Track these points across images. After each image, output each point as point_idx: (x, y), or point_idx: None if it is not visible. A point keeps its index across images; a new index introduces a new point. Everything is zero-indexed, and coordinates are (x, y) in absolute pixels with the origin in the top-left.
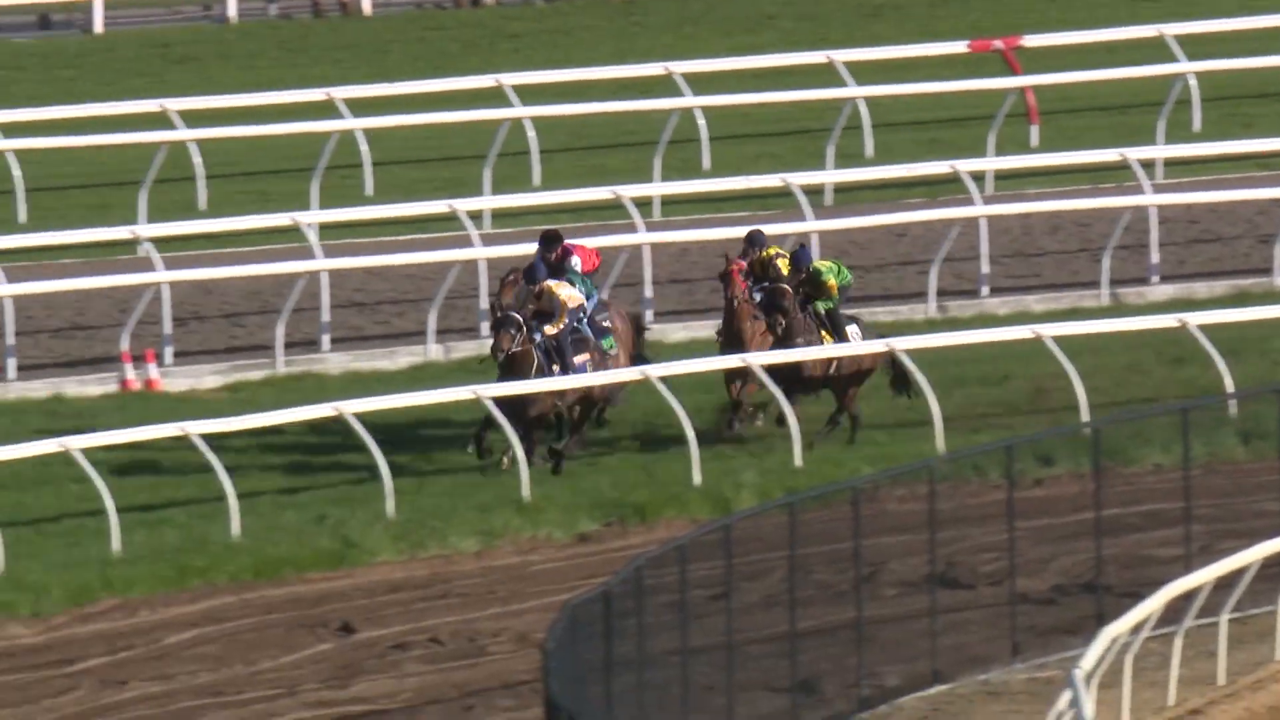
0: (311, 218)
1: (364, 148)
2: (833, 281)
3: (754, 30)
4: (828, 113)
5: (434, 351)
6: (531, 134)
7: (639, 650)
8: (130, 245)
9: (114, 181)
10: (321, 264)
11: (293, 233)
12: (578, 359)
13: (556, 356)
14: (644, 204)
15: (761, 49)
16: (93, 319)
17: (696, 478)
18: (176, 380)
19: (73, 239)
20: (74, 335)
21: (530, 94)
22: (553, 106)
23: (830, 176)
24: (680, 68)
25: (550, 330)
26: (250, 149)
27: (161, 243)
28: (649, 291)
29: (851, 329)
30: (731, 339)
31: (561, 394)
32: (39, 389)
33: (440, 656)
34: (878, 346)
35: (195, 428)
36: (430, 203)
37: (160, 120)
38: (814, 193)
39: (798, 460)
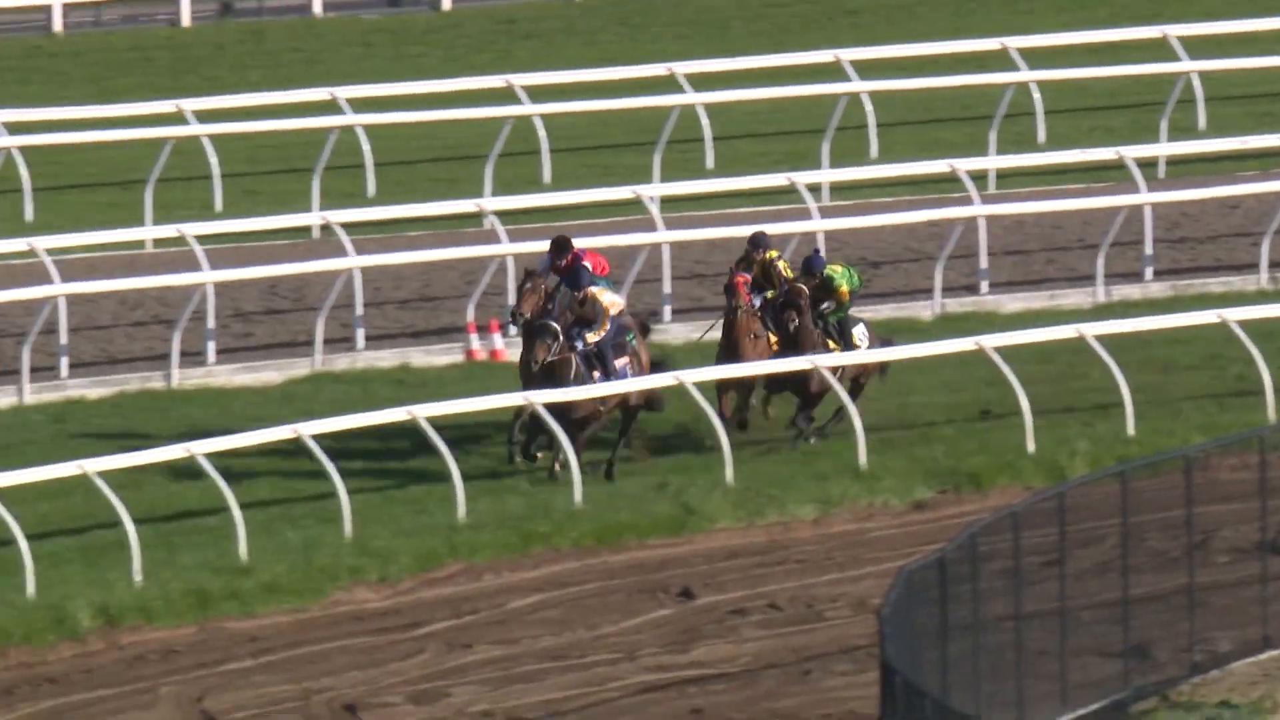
0: (653, 191)
1: (705, 122)
2: (845, 288)
3: (1088, 5)
4: (1161, 86)
5: None
6: (869, 108)
7: (973, 615)
8: (476, 218)
9: (460, 155)
10: (663, 236)
11: (635, 205)
12: (617, 363)
13: (598, 363)
14: (980, 177)
15: (1096, 24)
16: (439, 290)
17: (1030, 446)
18: (518, 350)
19: (420, 212)
20: (421, 306)
21: (868, 69)
22: (890, 81)
23: (1163, 149)
24: (1015, 43)
25: (592, 337)
26: (593, 123)
27: (506, 215)
28: (984, 263)
29: (858, 329)
30: (730, 351)
31: (604, 398)
32: (387, 358)
33: (778, 621)
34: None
35: (539, 397)
36: (769, 176)
37: (506, 95)
38: (1147, 165)
39: (1130, 429)
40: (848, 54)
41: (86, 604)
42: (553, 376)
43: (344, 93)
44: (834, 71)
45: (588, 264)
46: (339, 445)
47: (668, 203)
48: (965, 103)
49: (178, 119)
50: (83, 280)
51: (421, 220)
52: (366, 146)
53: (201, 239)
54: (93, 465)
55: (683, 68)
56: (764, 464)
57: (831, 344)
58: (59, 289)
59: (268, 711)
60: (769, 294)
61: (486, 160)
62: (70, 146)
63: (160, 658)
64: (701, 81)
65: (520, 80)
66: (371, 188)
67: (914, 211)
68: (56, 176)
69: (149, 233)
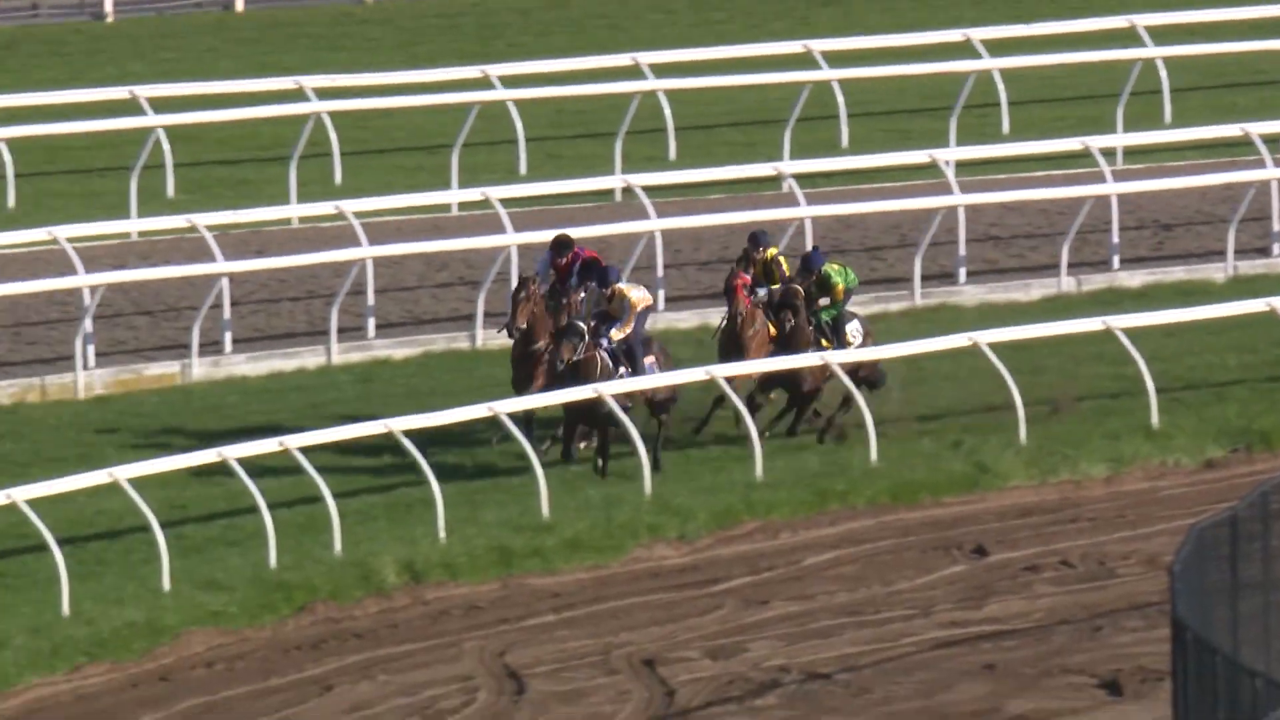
0: (949, 154)
1: (1000, 87)
2: (841, 285)
3: None
4: None
5: (1066, 284)
6: (1163, 73)
7: (1264, 573)
8: (774, 181)
9: (759, 120)
10: (959, 199)
11: (931, 169)
12: (645, 361)
13: (625, 359)
14: (1272, 141)
15: None
16: (738, 252)
17: None
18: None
19: (719, 175)
20: (720, 268)
21: (1162, 35)
22: (1184, 47)
23: None
24: None
25: (617, 335)
26: (891, 88)
27: (804, 179)
28: (1277, 226)
29: (852, 325)
30: (732, 350)
31: (630, 395)
32: (686, 319)
33: (1070, 578)
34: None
35: (833, 357)
36: (1064, 140)
37: (804, 60)
38: None
39: None
40: (1142, 19)
41: (392, 560)
42: (580, 375)
43: (646, 58)
44: (1129, 37)
45: (613, 266)
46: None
47: (963, 166)
48: (1258, 68)
49: (484, 84)
50: (389, 242)
51: (721, 183)
52: (668, 111)
53: (506, 202)
54: (399, 424)
55: (979, 33)
56: (1057, 423)
57: (824, 342)
58: (366, 251)
59: (569, 665)
60: (774, 287)
61: (785, 124)
62: (378, 112)
63: (464, 613)
64: (997, 47)
65: (819, 46)
66: (672, 151)
67: (1207, 175)
68: (365, 141)
69: (454, 196)
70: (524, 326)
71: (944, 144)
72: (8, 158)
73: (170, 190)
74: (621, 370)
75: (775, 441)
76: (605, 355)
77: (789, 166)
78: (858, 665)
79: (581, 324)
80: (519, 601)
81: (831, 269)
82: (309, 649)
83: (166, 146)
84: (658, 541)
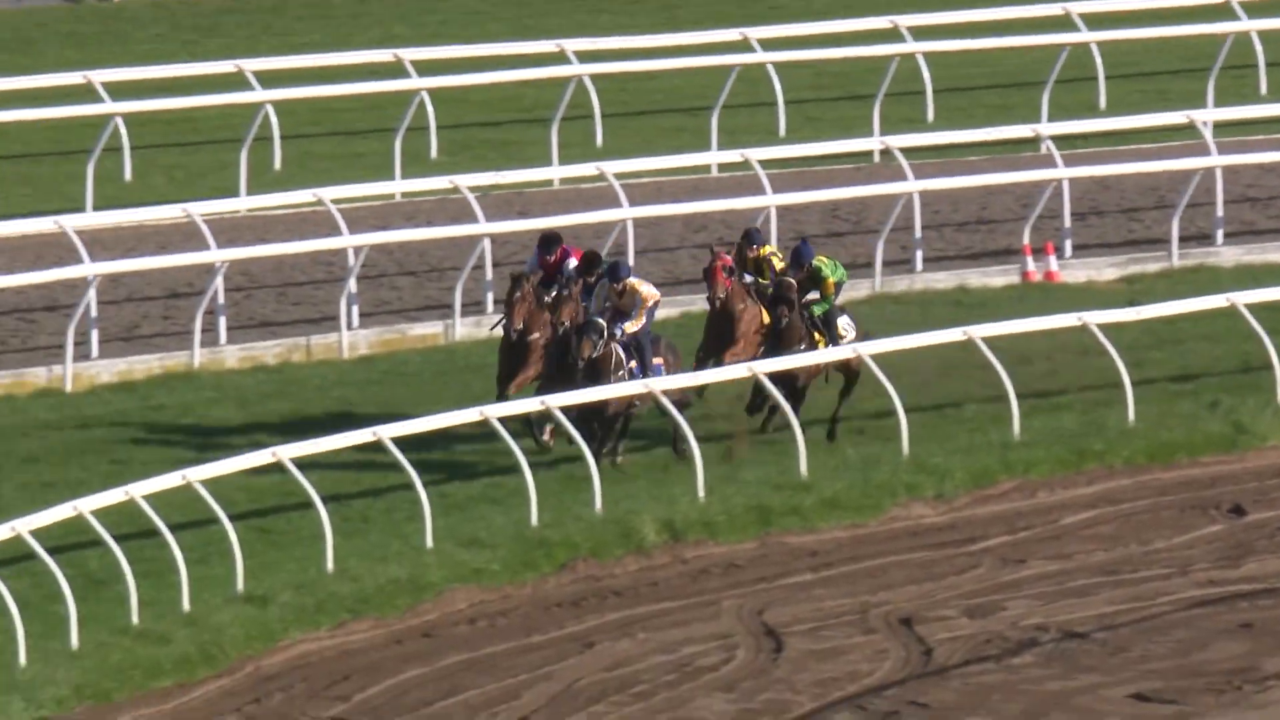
0: (1207, 115)
1: (1258, 48)
2: (831, 280)
3: None
4: None
5: None
6: None
7: None
8: (1033, 143)
9: (1017, 82)
10: (1216, 160)
11: (1189, 130)
12: (654, 361)
13: (635, 354)
14: None
15: None
16: (996, 213)
17: None
18: (1075, 272)
19: (978, 137)
20: (978, 229)
21: None
22: None
23: None
24: None
25: (629, 328)
26: (1149, 50)
27: (1062, 140)
28: None
29: (843, 320)
30: (721, 332)
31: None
32: (944, 280)
33: None
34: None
35: (1093, 318)
36: None
37: (1063, 22)
38: None
39: None
40: None
41: (652, 519)
42: (595, 371)
43: (905, 21)
44: None
45: (574, 260)
46: (895, 364)
47: (1221, 127)
48: None
49: (743, 47)
50: (650, 204)
51: (979, 145)
52: (926, 73)
53: (765, 164)
54: (658, 384)
55: None
56: None
57: (817, 336)
58: (627, 212)
59: (827, 624)
60: (763, 281)
61: (1043, 86)
62: (639, 74)
63: (722, 571)
64: (1256, 9)
65: (1076, 8)
66: (930, 113)
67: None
68: (625, 103)
69: (714, 157)
70: (520, 328)
71: (1202, 105)
72: (274, 120)
73: (433, 152)
74: (631, 365)
75: (1033, 400)
76: (619, 349)
77: (1047, 128)
78: (1115, 624)
79: (601, 320)
80: (777, 560)
81: (822, 262)
82: (570, 606)
83: (430, 109)
84: (915, 501)
